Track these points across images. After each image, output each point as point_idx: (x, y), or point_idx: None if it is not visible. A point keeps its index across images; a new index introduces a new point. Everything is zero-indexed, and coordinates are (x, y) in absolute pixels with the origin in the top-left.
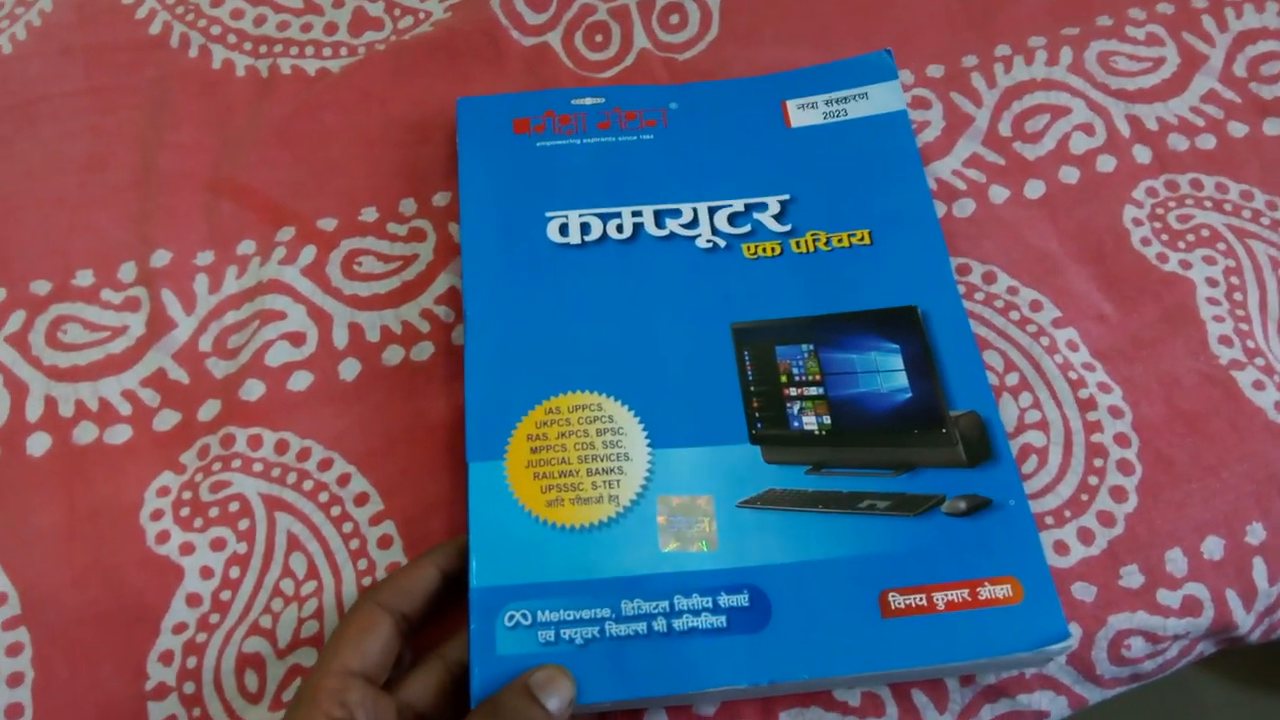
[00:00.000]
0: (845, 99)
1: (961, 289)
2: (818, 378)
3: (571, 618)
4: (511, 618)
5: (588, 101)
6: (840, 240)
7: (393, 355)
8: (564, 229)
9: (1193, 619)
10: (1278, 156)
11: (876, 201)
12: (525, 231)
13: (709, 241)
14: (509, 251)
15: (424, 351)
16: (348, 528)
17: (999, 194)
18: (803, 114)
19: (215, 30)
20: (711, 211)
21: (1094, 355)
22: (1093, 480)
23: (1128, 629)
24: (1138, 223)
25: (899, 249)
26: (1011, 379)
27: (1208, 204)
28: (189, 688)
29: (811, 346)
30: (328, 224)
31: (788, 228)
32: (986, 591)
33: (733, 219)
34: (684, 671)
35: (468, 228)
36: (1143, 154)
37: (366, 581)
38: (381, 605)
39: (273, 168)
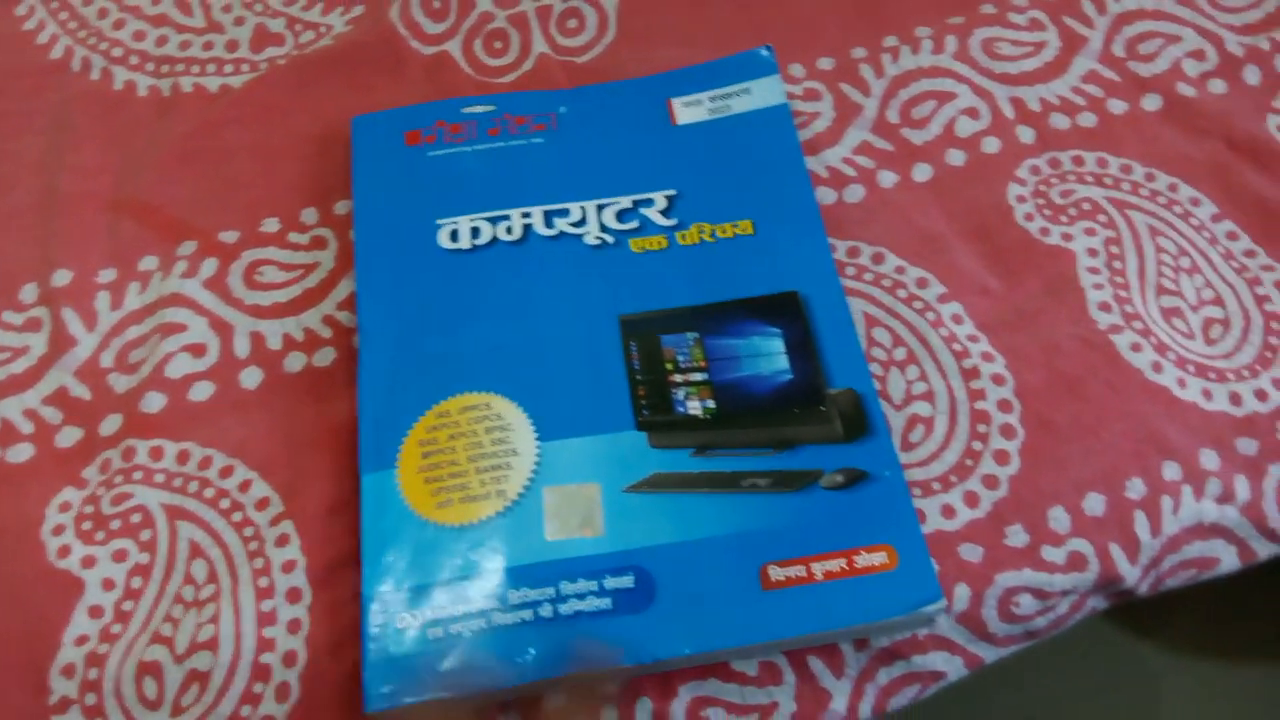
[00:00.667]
0: (728, 95)
1: (851, 270)
2: (702, 364)
3: (460, 612)
4: (403, 619)
5: (478, 110)
6: (724, 231)
7: (294, 362)
8: (454, 235)
9: (1079, 574)
10: (1156, 131)
11: (759, 193)
12: (417, 240)
13: (597, 238)
14: (401, 262)
15: (326, 357)
16: (248, 531)
17: (888, 179)
18: (688, 111)
19: (117, 52)
20: (599, 209)
21: (978, 327)
22: (977, 446)
23: (1015, 586)
24: (1021, 199)
25: (780, 237)
26: (899, 354)
27: (1089, 179)
28: (90, 699)
29: (696, 334)
30: (229, 236)
31: (673, 221)
32: (863, 560)
33: (620, 215)
34: (570, 654)
35: (361, 242)
36: (1026, 134)
37: (263, 582)
38: None
39: (174, 185)
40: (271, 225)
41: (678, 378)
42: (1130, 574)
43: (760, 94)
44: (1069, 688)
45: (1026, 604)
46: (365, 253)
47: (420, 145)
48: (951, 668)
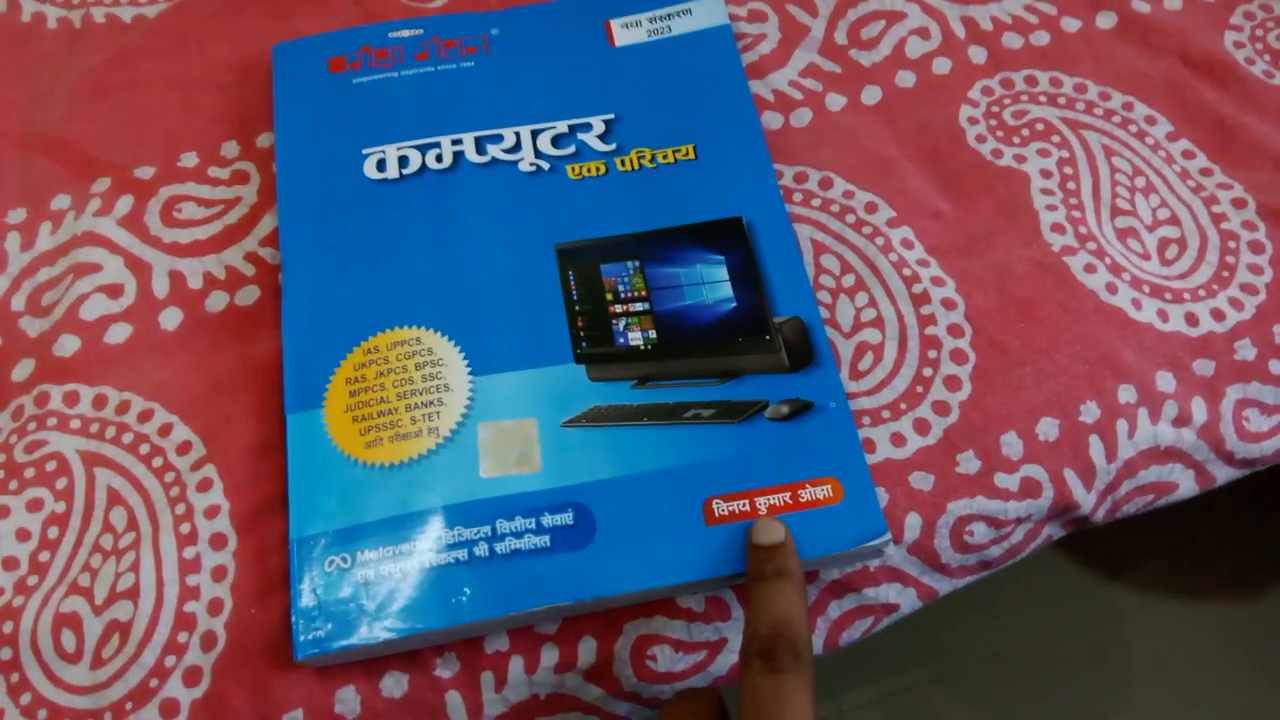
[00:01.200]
0: (669, 16)
1: (799, 196)
2: (644, 293)
3: (391, 554)
4: (331, 563)
5: (405, 34)
6: (665, 157)
7: (216, 301)
8: (381, 164)
9: (1032, 500)
10: (1111, 49)
11: (701, 117)
12: (342, 171)
13: (532, 165)
14: (326, 194)
15: (250, 296)
16: (169, 477)
17: (836, 102)
18: (626, 33)
19: None
20: (534, 135)
21: (929, 252)
22: (927, 372)
23: (968, 514)
24: (973, 121)
25: (724, 163)
26: (848, 280)
27: (1042, 99)
28: (5, 653)
29: (637, 263)
30: (145, 172)
31: (612, 147)
32: (807, 493)
33: (556, 140)
34: (508, 594)
35: (284, 174)
36: (978, 54)
37: (185, 528)
38: None
39: (87, 120)
40: (190, 160)
41: (618, 308)
42: (1086, 500)
43: (701, 14)
44: (1035, 627)
45: (980, 533)
46: (288, 185)
47: (345, 73)
48: (905, 600)
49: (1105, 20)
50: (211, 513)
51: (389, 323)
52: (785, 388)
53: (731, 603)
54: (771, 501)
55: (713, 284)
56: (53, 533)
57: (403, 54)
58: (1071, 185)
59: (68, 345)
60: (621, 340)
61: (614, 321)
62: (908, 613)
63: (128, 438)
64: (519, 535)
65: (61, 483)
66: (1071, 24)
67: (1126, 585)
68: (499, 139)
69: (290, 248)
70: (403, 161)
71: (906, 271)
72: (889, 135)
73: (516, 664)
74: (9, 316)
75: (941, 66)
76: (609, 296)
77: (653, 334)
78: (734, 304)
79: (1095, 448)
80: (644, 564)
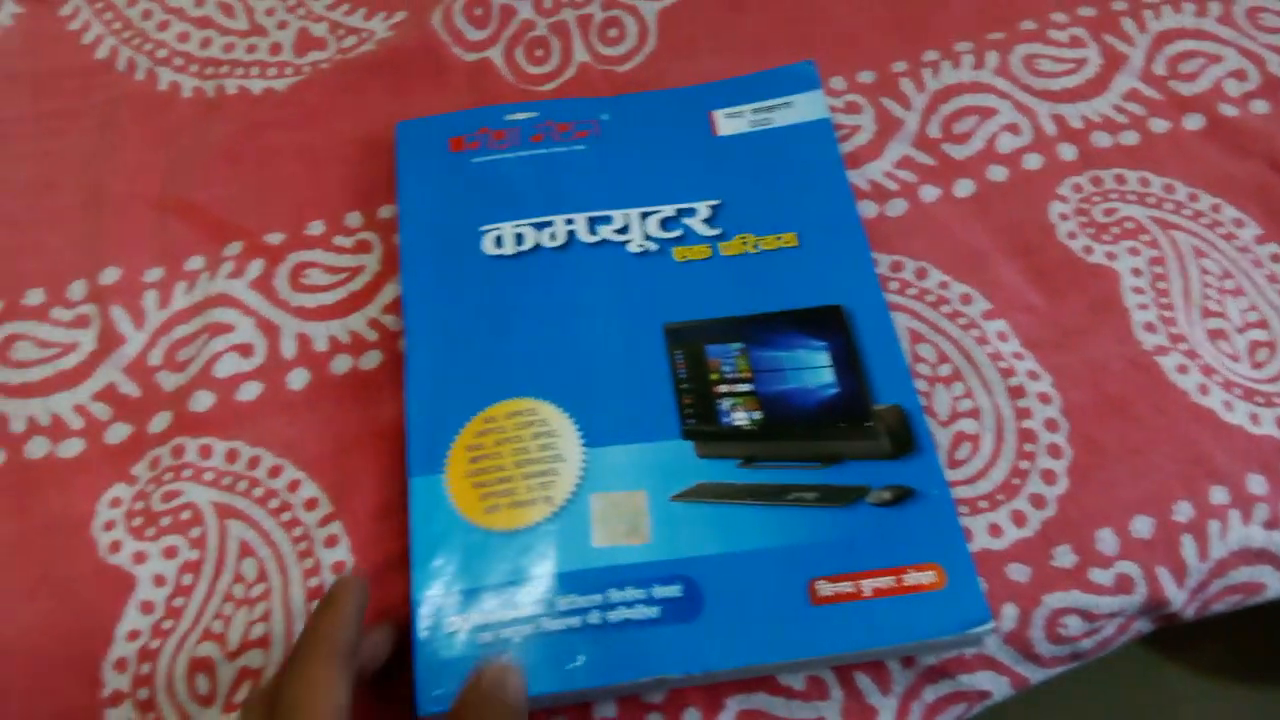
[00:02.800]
0: (771, 108)
1: (895, 285)
2: (747, 375)
3: (509, 617)
4: (452, 624)
5: (520, 117)
6: (768, 243)
7: (341, 364)
8: (499, 240)
9: (1126, 596)
10: (1199, 151)
11: (802, 206)
12: (461, 246)
13: (640, 246)
14: (446, 267)
15: (372, 360)
16: (297, 531)
17: (930, 193)
18: (730, 123)
19: (161, 53)
20: (643, 217)
21: (1024, 345)
22: (1024, 465)
23: (1063, 608)
24: (1064, 217)
25: (824, 251)
26: (944, 370)
27: (1131, 197)
28: (143, 694)
29: (741, 345)
30: (275, 238)
31: (717, 231)
32: (911, 578)
33: (664, 224)
34: (619, 662)
35: (406, 247)
36: (1068, 151)
37: (314, 582)
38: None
39: (220, 185)
40: (316, 228)
41: (723, 388)
42: (1177, 598)
43: (802, 108)
44: (1089, 705)
45: (1073, 625)
46: (411, 257)
47: (464, 151)
48: (997, 687)
49: (1193, 122)
50: (338, 569)
51: (506, 393)
52: (887, 474)
53: (831, 683)
54: (876, 584)
55: (815, 369)
56: (186, 579)
57: (519, 136)
58: (1162, 285)
59: (202, 400)
60: (726, 419)
61: (719, 401)
62: (999, 700)
63: (258, 492)
64: (630, 605)
65: (195, 532)
66: (1160, 125)
67: (1184, 667)
68: (609, 220)
69: (413, 318)
70: (519, 239)
71: (1003, 364)
72: (982, 228)
73: None
74: (146, 370)
75: (1032, 162)
76: (714, 376)
77: (757, 415)
78: (836, 389)
79: (1188, 547)
80: (750, 640)
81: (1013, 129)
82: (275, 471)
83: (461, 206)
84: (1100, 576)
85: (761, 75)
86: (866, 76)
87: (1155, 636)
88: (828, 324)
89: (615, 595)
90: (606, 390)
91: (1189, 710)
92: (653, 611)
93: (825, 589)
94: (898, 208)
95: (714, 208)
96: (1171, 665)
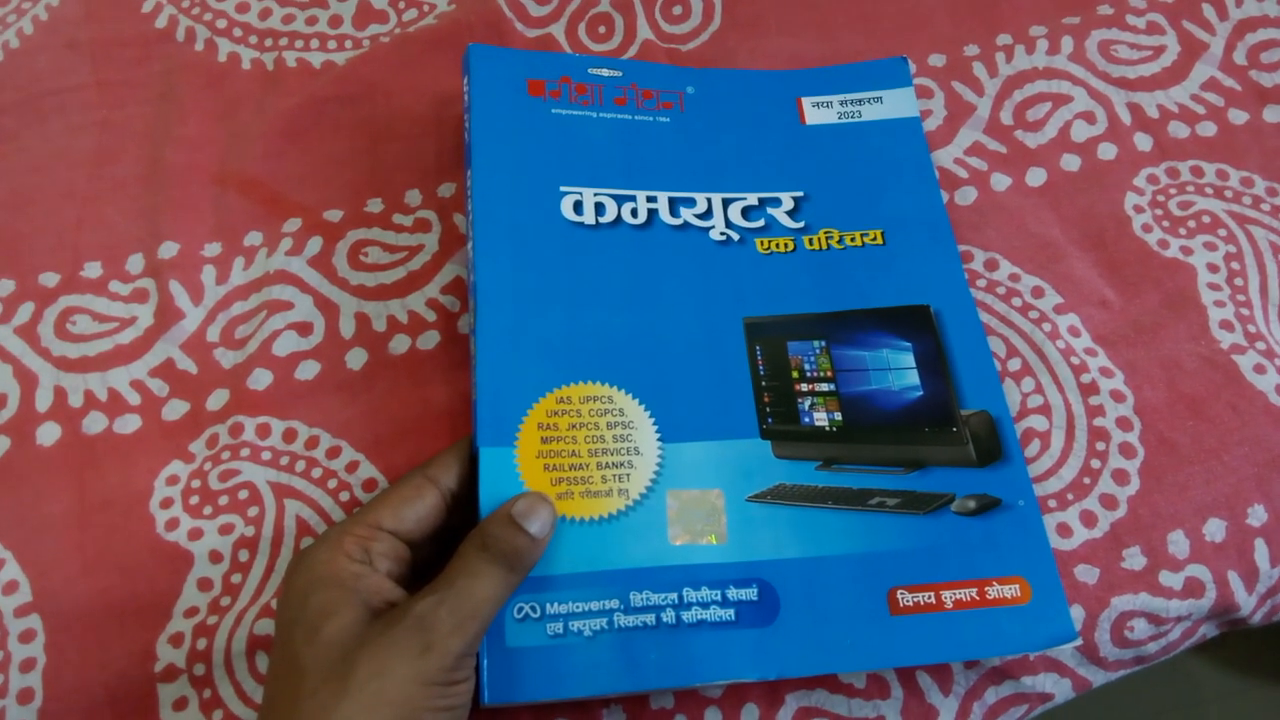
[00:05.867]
0: (860, 101)
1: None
2: (829, 374)
3: (580, 610)
4: (520, 610)
5: (605, 73)
6: (853, 239)
7: (399, 344)
8: (578, 207)
9: (1195, 600)
10: (1278, 143)
11: (889, 203)
12: (539, 205)
13: (723, 234)
14: (522, 226)
15: (430, 340)
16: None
17: (1001, 181)
18: (818, 112)
19: (221, 24)
20: (726, 203)
21: (1096, 340)
22: (1095, 464)
23: (1131, 611)
24: (1139, 209)
25: (912, 250)
26: (1014, 364)
27: (1208, 190)
28: (199, 669)
29: (824, 343)
30: (334, 215)
31: (801, 224)
32: (995, 591)
33: (747, 212)
34: (692, 664)
35: (479, 196)
36: (1144, 141)
37: None
38: (430, 479)
39: (279, 160)
40: (376, 206)
41: (804, 386)
42: (1246, 603)
43: (892, 104)
44: (1116, 702)
45: (1140, 629)
46: (484, 208)
47: (544, 98)
48: (1060, 690)
49: (1273, 114)
50: None
51: (582, 375)
52: (972, 482)
53: (893, 682)
54: (958, 596)
55: (899, 370)
56: (243, 556)
57: (602, 94)
58: (1239, 281)
59: (261, 379)
60: (807, 419)
61: (799, 400)
62: (1060, 702)
63: (316, 472)
64: (705, 606)
65: (253, 510)
66: (1239, 116)
67: (1212, 665)
68: (692, 203)
69: (486, 276)
70: (599, 209)
71: (1074, 360)
72: (1054, 219)
73: None
74: (204, 347)
75: (1107, 152)
76: (795, 375)
77: (838, 416)
78: (920, 393)
79: (1260, 551)
80: (827, 648)
81: (1087, 117)
82: (333, 452)
83: (540, 159)
84: (1170, 580)
85: (853, 67)
86: (937, 60)
87: None
88: (914, 324)
89: (690, 595)
90: (684, 383)
91: (1215, 710)
92: (728, 614)
93: (905, 599)
94: (968, 196)
95: (798, 199)
96: (1199, 662)
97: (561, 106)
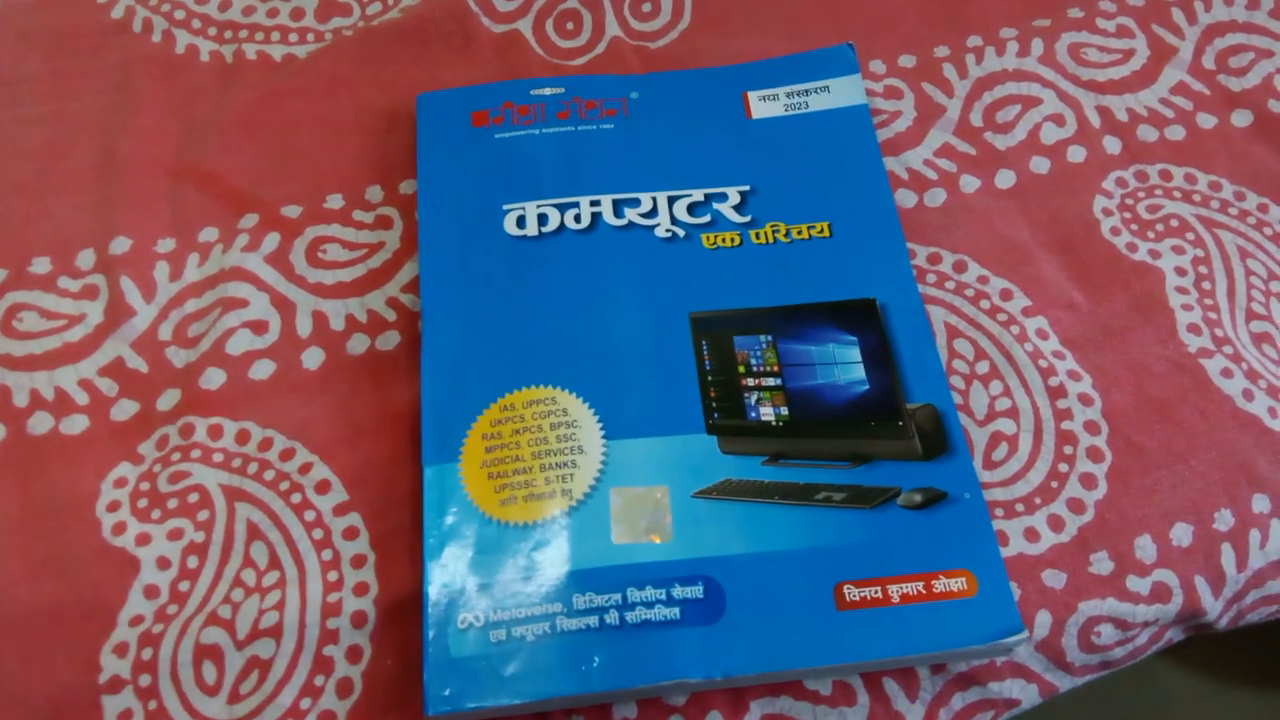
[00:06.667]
0: (807, 92)
1: (932, 278)
2: (776, 369)
3: (523, 615)
4: (464, 620)
5: (547, 92)
6: (800, 232)
7: (358, 344)
8: (521, 221)
9: (1162, 605)
10: (1246, 148)
11: (836, 195)
12: (483, 225)
13: (668, 231)
14: (466, 246)
15: (390, 341)
16: (309, 516)
17: (970, 183)
18: (764, 105)
19: (179, 15)
20: (671, 201)
21: (1064, 343)
22: (1063, 467)
23: (1098, 616)
24: (1108, 213)
25: (858, 242)
26: (982, 367)
27: (1177, 194)
28: (144, 680)
29: (770, 337)
30: (292, 211)
31: (747, 218)
32: (941, 585)
33: (692, 209)
34: (637, 665)
35: (425, 224)
36: (1113, 144)
37: (333, 575)
38: None
39: (237, 154)
40: (335, 202)
41: (750, 381)
42: (1213, 608)
43: (840, 93)
44: (1080, 706)
45: (1107, 634)
46: (429, 236)
47: (488, 126)
48: (1026, 696)
49: (1241, 119)
50: (358, 563)
51: (526, 380)
52: (918, 475)
53: (859, 689)
54: (904, 590)
55: (845, 365)
56: (192, 562)
57: (544, 111)
58: (1207, 285)
59: (213, 379)
60: (753, 414)
61: (746, 395)
62: (1027, 708)
63: (269, 474)
64: (650, 605)
65: (203, 515)
66: (1207, 120)
67: (1177, 667)
68: (636, 203)
69: (431, 300)
70: (542, 219)
71: (1042, 363)
72: (1023, 221)
73: None
74: (156, 345)
75: (1076, 155)
76: (741, 369)
77: (784, 410)
78: (866, 387)
79: (1227, 556)
80: (774, 645)
81: (1057, 120)
82: (287, 454)
83: (483, 183)
84: (1137, 585)
85: (798, 57)
86: (907, 61)
87: None
88: (860, 318)
89: (634, 594)
90: (629, 381)
91: (1181, 711)
92: (673, 612)
93: (852, 594)
94: (937, 197)
95: (745, 194)
96: (1163, 665)
97: (505, 130)
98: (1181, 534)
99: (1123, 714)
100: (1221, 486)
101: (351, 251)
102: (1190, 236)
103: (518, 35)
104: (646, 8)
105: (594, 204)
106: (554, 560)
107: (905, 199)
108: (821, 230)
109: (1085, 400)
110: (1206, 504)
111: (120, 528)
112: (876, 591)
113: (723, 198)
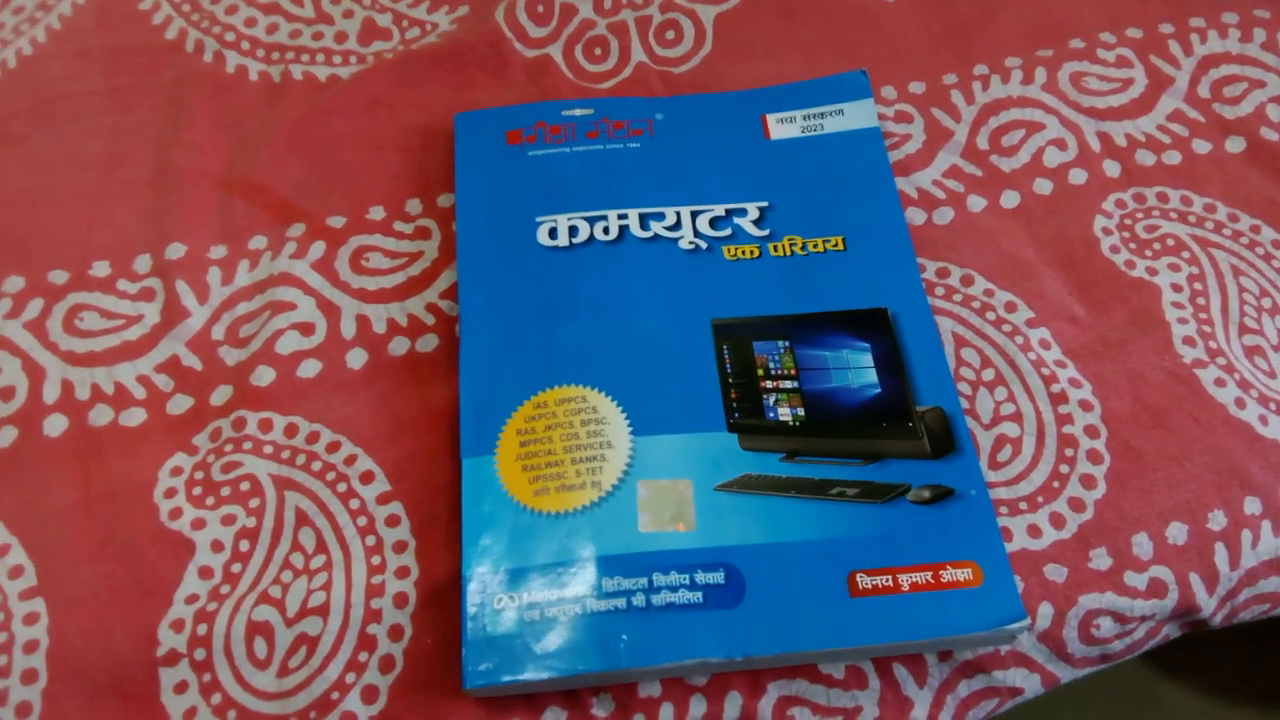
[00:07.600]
0: (822, 114)
1: (941, 290)
2: (792, 372)
3: (555, 597)
4: (500, 601)
5: (577, 113)
6: (816, 245)
7: (399, 346)
8: (553, 232)
9: (1158, 600)
10: (1239, 172)
11: (850, 211)
12: (517, 236)
13: (691, 243)
14: (501, 256)
15: (429, 343)
16: (354, 504)
17: (977, 203)
18: (782, 127)
19: (229, 37)
20: (694, 215)
21: (1065, 353)
22: (1064, 469)
23: (1097, 609)
24: (1107, 231)
25: (871, 255)
26: (988, 374)
27: (1173, 215)
28: (199, 654)
29: (787, 343)
30: (336, 221)
31: (766, 232)
32: (948, 574)
33: (714, 223)
34: (663, 644)
35: (463, 235)
36: (1112, 168)
37: (376, 560)
38: None
39: (284, 168)
40: (377, 213)
41: (768, 384)
42: (1207, 604)
43: (853, 116)
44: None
45: (1106, 627)
46: (467, 246)
47: (521, 144)
48: (1029, 685)
49: (1234, 145)
50: (399, 548)
51: (557, 380)
52: (927, 473)
53: (869, 673)
54: (914, 579)
55: (858, 369)
56: (244, 546)
57: (575, 131)
58: (1201, 301)
59: (264, 376)
60: (771, 415)
61: (764, 396)
62: (1030, 697)
63: (316, 465)
64: (674, 589)
65: (254, 502)
66: (1202, 146)
67: (1181, 688)
68: (661, 217)
69: (469, 305)
70: (573, 231)
71: (1045, 371)
72: (1026, 239)
73: (667, 710)
74: (209, 344)
75: (1077, 177)
76: (760, 372)
77: (800, 411)
78: (878, 390)
79: (1220, 555)
80: (791, 628)
81: (1059, 144)
82: (333, 447)
83: (517, 198)
84: (1135, 580)
85: (814, 82)
86: (917, 87)
87: (1153, 655)
88: (872, 325)
89: (660, 579)
90: (655, 382)
91: None
92: (695, 596)
93: (864, 582)
94: (945, 215)
95: (763, 209)
96: (1168, 685)
97: (538, 148)
98: (1177, 533)
99: None
100: (1215, 489)
101: (392, 260)
102: (1186, 255)
103: (549, 60)
104: (670, 35)
105: (621, 217)
106: (584, 546)
107: (915, 216)
108: (836, 244)
109: (1085, 406)
110: (1200, 505)
111: (176, 513)
112: (887, 580)
113: (743, 213)
